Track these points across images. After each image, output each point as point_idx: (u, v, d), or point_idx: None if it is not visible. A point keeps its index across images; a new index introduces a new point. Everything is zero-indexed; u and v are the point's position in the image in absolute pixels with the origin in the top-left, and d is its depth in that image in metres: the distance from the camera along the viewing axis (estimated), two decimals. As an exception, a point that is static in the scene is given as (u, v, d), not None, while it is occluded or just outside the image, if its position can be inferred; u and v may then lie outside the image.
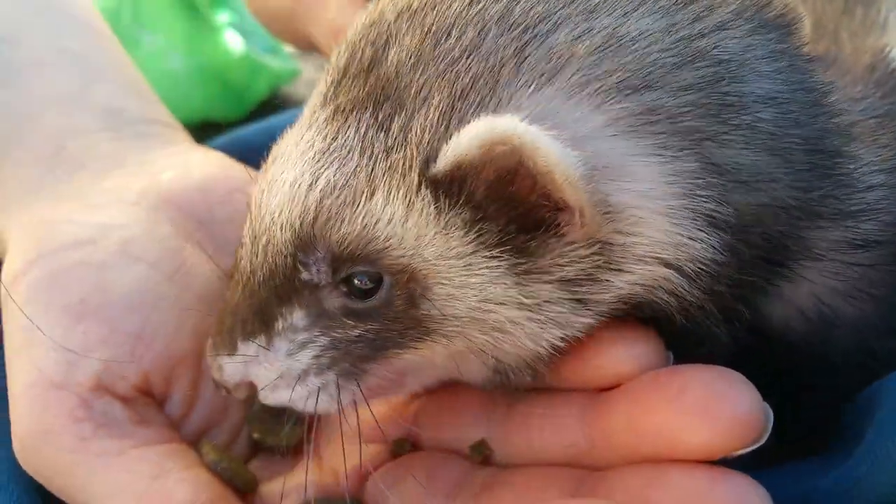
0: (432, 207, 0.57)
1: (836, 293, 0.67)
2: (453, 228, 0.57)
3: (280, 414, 0.73)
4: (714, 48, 0.58)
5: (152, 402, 0.70)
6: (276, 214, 0.60)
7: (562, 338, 0.60)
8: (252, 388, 0.65)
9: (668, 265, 0.58)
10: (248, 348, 0.62)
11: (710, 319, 0.63)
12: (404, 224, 0.57)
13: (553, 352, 0.61)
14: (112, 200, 0.75)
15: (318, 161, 0.59)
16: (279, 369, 0.62)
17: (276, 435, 0.73)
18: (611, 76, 0.56)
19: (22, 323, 0.68)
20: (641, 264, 0.58)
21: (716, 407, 0.54)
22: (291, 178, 0.60)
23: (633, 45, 0.57)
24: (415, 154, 0.57)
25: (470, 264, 0.58)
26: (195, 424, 0.72)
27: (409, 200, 0.57)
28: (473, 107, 0.56)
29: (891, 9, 0.81)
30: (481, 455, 0.68)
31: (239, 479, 0.68)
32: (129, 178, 0.77)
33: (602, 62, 0.56)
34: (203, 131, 0.94)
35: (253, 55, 1.31)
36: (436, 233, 0.57)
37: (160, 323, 0.70)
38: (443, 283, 0.58)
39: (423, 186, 0.56)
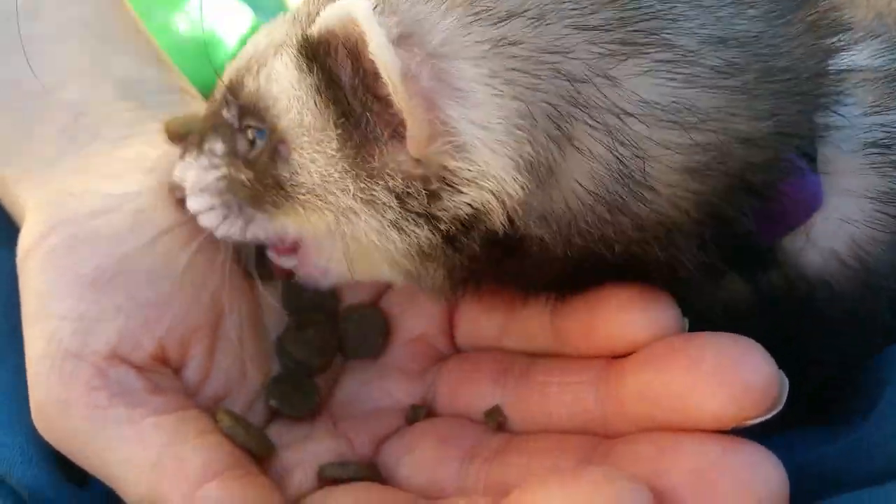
0: (307, 76, 0.61)
1: (876, 242, 0.65)
2: (309, 97, 0.62)
3: (298, 382, 0.75)
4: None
5: (168, 371, 0.70)
6: (230, 66, 0.72)
7: (407, 245, 0.62)
8: (179, 192, 0.73)
9: (492, 193, 0.57)
10: (188, 158, 0.73)
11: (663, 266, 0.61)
12: (285, 84, 0.63)
13: (412, 259, 0.63)
14: (128, 170, 0.75)
15: (268, 33, 0.69)
16: (194, 179, 0.72)
17: (293, 402, 0.73)
18: (502, 2, 0.55)
19: (37, 292, 0.68)
20: (472, 187, 0.57)
21: (730, 375, 0.53)
22: (251, 41, 0.71)
23: None
24: (304, 25, 0.62)
25: (319, 140, 0.62)
26: (212, 392, 0.72)
27: (291, 64, 0.63)
28: None
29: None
30: (496, 421, 0.68)
31: (254, 445, 0.68)
32: (146, 147, 0.77)
33: None
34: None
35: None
36: (301, 102, 0.62)
37: (175, 291, 0.70)
38: (298, 151, 0.64)
39: (299, 52, 0.62)
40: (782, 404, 0.53)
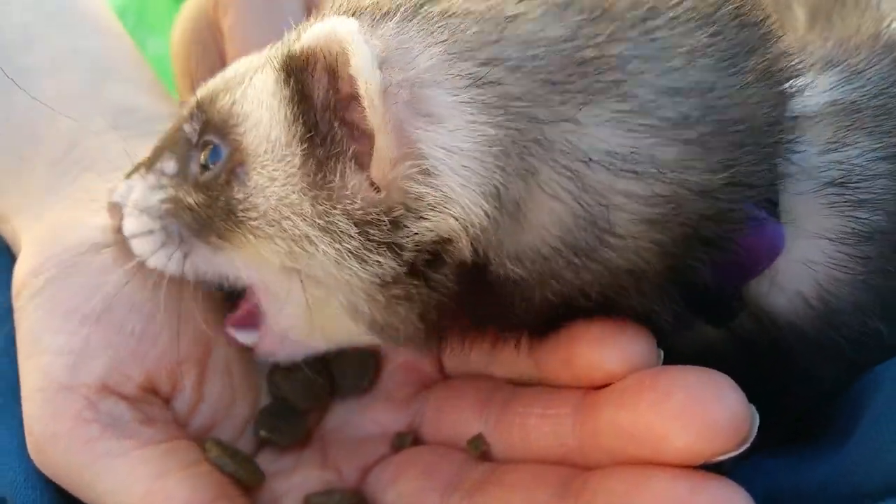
0: (278, 84, 0.62)
1: (839, 283, 0.66)
2: (280, 110, 0.61)
3: (287, 413, 0.76)
4: (605, 56, 0.56)
5: (158, 401, 0.72)
6: (206, 84, 0.71)
7: (369, 277, 0.61)
8: (118, 214, 0.72)
9: (455, 220, 0.57)
10: (135, 176, 0.72)
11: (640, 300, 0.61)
12: (256, 101, 0.63)
13: (376, 300, 0.62)
14: None
15: (251, 59, 0.69)
16: (137, 198, 0.71)
17: (282, 433, 0.75)
18: (475, 44, 0.56)
19: (30, 327, 0.70)
20: (435, 214, 0.57)
21: (699, 411, 0.53)
22: (234, 66, 0.71)
23: (526, 32, 0.56)
24: (288, 46, 0.62)
25: (282, 157, 0.61)
26: (202, 422, 0.73)
27: (267, 79, 0.63)
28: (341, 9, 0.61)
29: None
30: (479, 450, 0.69)
31: (243, 474, 0.70)
32: None
33: (480, 32, 0.56)
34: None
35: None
36: (272, 113, 0.62)
37: (163, 322, 0.72)
38: (258, 171, 0.63)
39: (280, 64, 0.62)
40: (752, 438, 0.54)
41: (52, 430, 0.67)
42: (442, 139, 0.56)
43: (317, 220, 0.60)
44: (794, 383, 0.68)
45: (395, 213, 0.58)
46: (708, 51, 0.58)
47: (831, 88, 0.68)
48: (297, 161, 0.61)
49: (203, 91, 0.70)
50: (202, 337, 0.74)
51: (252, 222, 0.63)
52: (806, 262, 0.65)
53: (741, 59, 0.59)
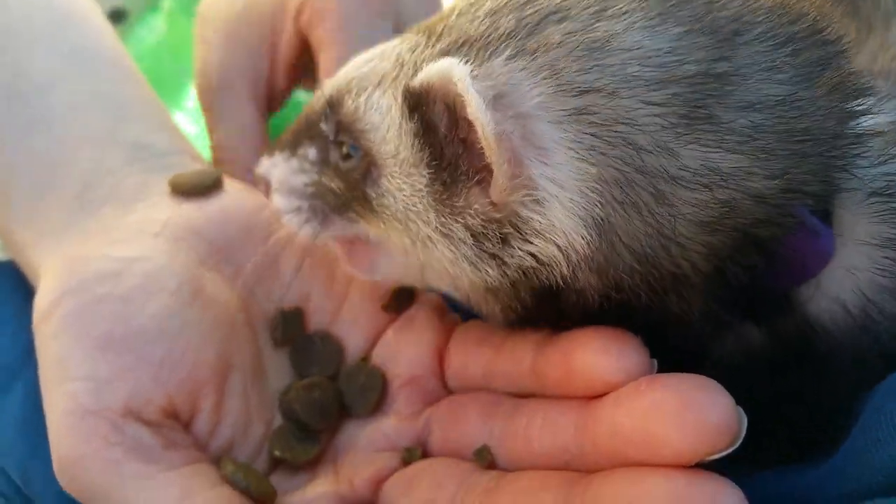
0: (401, 114, 0.69)
1: (881, 288, 0.69)
2: (408, 138, 0.69)
3: (299, 432, 0.79)
4: (699, 72, 0.61)
5: (178, 426, 0.75)
6: (331, 81, 0.79)
7: (476, 279, 0.69)
8: (267, 188, 0.82)
9: (558, 248, 0.63)
10: (277, 157, 0.81)
11: (695, 326, 0.66)
12: (383, 118, 0.71)
13: (476, 289, 0.72)
14: (135, 234, 0.80)
15: (373, 57, 0.76)
16: (282, 178, 0.80)
17: (296, 452, 0.78)
18: (574, 74, 0.61)
19: (55, 356, 0.73)
20: (540, 239, 0.64)
21: (692, 414, 0.57)
22: (353, 62, 0.78)
23: (619, 53, 0.61)
24: (411, 73, 0.69)
25: (410, 174, 0.69)
26: (220, 444, 0.76)
27: (392, 102, 0.70)
28: (461, 56, 0.65)
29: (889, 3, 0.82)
30: (485, 460, 0.72)
31: (257, 490, 0.72)
32: (152, 211, 0.82)
33: (575, 60, 0.62)
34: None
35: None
36: (397, 134, 0.69)
37: (183, 349, 0.75)
38: (387, 178, 0.71)
39: (403, 96, 0.69)
40: (741, 439, 0.57)
41: (78, 453, 0.70)
42: (551, 172, 0.62)
43: (439, 228, 0.69)
44: (817, 394, 0.71)
45: (506, 231, 0.65)
46: (786, 66, 0.62)
47: (891, 113, 0.71)
48: (424, 181, 0.68)
49: (330, 89, 0.77)
50: (220, 361, 0.77)
51: (384, 214, 0.73)
52: (850, 268, 0.68)
53: (815, 74, 0.63)
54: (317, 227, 0.79)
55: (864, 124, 0.67)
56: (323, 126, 0.77)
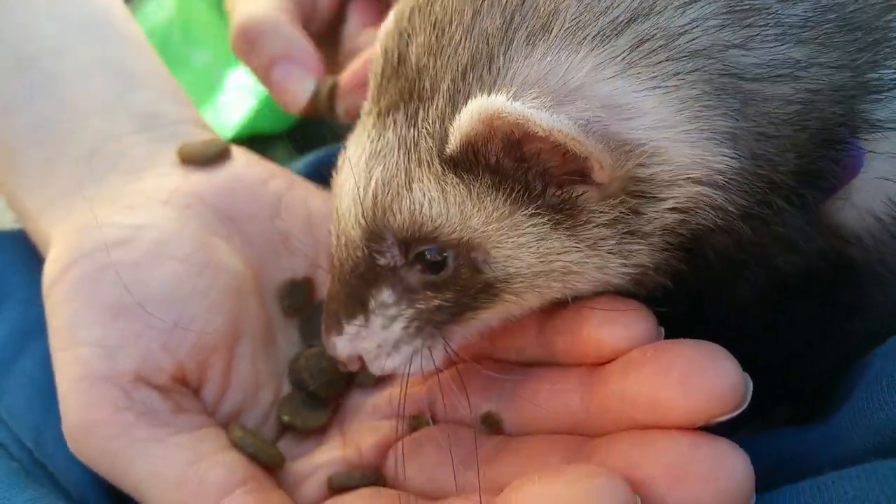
0: (460, 184, 0.63)
1: None
2: (485, 198, 0.63)
3: (307, 399, 0.80)
4: None
5: (188, 391, 0.75)
6: (347, 216, 0.69)
7: (626, 268, 0.65)
8: (362, 361, 0.72)
9: (699, 182, 0.60)
10: (351, 328, 0.71)
11: (775, 244, 0.65)
12: (444, 204, 0.63)
13: (629, 278, 0.65)
14: (145, 201, 0.80)
15: (370, 163, 0.67)
16: (377, 341, 0.70)
17: (304, 418, 0.79)
18: (600, 16, 0.58)
19: (65, 321, 0.73)
20: (674, 188, 0.60)
21: (697, 379, 0.58)
22: (351, 182, 0.68)
23: None
24: (433, 142, 0.63)
25: (515, 225, 0.63)
26: (228, 409, 0.77)
27: (440, 183, 0.63)
28: (473, 85, 0.61)
29: None
30: (492, 426, 0.73)
31: (265, 456, 0.73)
32: (161, 179, 0.82)
33: (590, 5, 0.59)
34: (251, 144, 0.97)
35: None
36: (473, 205, 0.63)
37: (192, 316, 0.75)
38: (498, 247, 0.64)
39: (445, 168, 0.63)
40: (747, 402, 0.58)
41: (89, 419, 0.70)
42: (648, 121, 0.58)
43: (575, 247, 0.63)
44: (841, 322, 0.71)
45: (633, 203, 0.61)
46: None
47: None
48: (531, 220, 0.63)
49: (357, 225, 0.68)
50: (230, 328, 0.78)
51: (515, 286, 0.66)
52: (881, 176, 0.67)
53: None
54: (441, 348, 0.71)
55: None
56: (382, 261, 0.68)
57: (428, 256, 0.66)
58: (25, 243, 0.88)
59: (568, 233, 0.63)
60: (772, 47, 0.59)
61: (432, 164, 0.63)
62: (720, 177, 0.60)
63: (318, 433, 0.79)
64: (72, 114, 0.84)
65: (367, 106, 0.70)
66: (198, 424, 0.74)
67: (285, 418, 0.78)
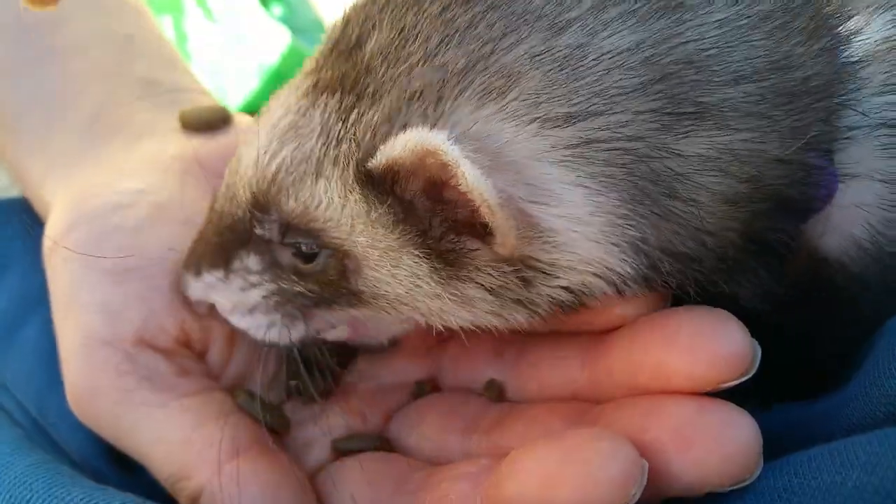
0: (364, 202, 0.61)
1: (890, 224, 0.68)
2: (382, 224, 0.61)
3: (314, 365, 0.79)
4: (681, 56, 0.57)
5: (192, 354, 0.75)
6: (243, 172, 0.67)
7: (504, 324, 0.65)
8: (212, 307, 0.73)
9: (597, 276, 0.61)
10: (208, 277, 0.71)
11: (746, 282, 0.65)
12: (340, 212, 0.62)
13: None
14: (146, 166, 0.80)
15: (286, 134, 0.64)
16: (232, 300, 0.71)
17: (310, 383, 0.78)
18: (556, 103, 0.56)
19: (66, 284, 0.73)
20: (571, 273, 0.60)
21: (705, 345, 0.58)
22: (263, 143, 0.65)
23: (594, 65, 0.57)
24: (356, 150, 0.60)
25: (397, 259, 0.62)
26: (233, 374, 0.77)
27: (346, 191, 0.61)
28: (415, 116, 0.57)
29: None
30: (495, 393, 0.73)
31: (271, 420, 0.73)
32: (161, 144, 0.82)
33: (551, 87, 0.56)
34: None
35: (301, 51, 1.32)
36: (366, 226, 0.61)
37: None
38: (372, 269, 0.64)
39: (357, 181, 0.60)
40: (755, 369, 0.58)
41: (92, 383, 0.70)
42: (566, 211, 0.58)
43: (450, 298, 0.63)
44: (836, 327, 0.71)
45: (526, 275, 0.60)
46: (759, 27, 0.60)
47: (885, 28, 0.67)
48: (414, 260, 0.62)
49: (249, 187, 0.66)
50: None
51: (381, 303, 0.66)
52: (859, 204, 0.66)
53: (789, 25, 0.61)
54: (302, 328, 0.71)
55: (857, 51, 0.65)
56: (259, 231, 0.67)
57: (303, 247, 0.65)
58: (27, 211, 0.88)
59: (443, 283, 0.62)
60: (710, 140, 0.58)
61: (346, 170, 0.61)
62: (617, 278, 0.60)
63: (323, 399, 0.79)
64: (72, 81, 0.83)
65: (307, 65, 0.66)
66: (203, 388, 0.73)
67: (291, 383, 0.78)
